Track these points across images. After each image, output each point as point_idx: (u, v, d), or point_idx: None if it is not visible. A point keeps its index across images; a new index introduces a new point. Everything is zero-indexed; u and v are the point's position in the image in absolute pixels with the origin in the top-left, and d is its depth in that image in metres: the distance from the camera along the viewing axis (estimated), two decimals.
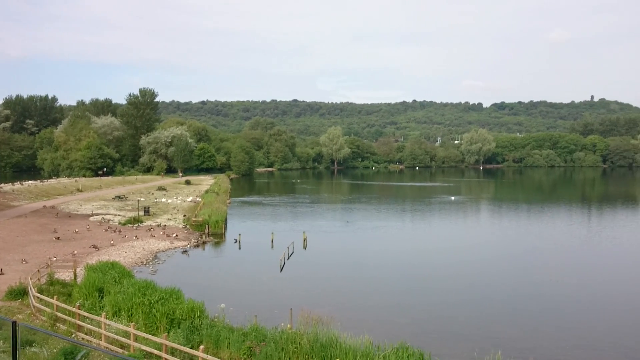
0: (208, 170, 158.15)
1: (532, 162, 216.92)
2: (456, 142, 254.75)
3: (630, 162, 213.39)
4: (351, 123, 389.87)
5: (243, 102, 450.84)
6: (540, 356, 22.13)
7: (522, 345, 23.97)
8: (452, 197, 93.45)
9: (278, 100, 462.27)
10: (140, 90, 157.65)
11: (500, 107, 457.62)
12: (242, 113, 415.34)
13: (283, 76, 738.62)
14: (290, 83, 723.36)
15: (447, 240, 53.11)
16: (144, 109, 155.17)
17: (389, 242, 51.58)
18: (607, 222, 66.57)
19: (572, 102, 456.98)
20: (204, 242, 49.55)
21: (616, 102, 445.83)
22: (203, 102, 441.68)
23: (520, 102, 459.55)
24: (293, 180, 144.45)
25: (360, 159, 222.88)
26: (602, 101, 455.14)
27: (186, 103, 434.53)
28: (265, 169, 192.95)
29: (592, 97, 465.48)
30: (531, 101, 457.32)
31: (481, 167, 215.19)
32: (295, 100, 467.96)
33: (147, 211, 64.94)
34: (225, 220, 60.19)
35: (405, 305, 30.80)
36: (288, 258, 42.64)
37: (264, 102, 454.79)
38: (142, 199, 77.64)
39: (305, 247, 47.75)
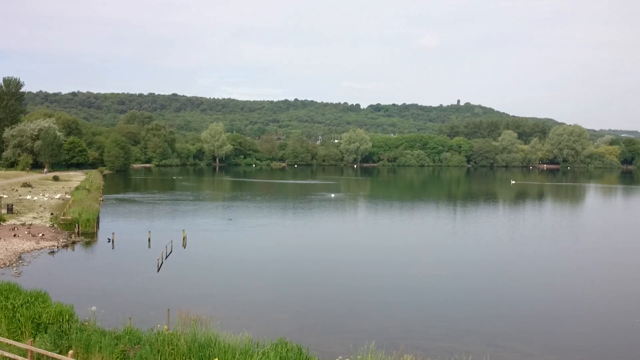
0: (79, 166, 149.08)
1: (405, 161, 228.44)
2: (336, 141, 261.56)
3: (491, 162, 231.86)
4: (233, 120, 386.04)
5: (118, 94, 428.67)
6: (410, 345, 23.53)
7: (394, 335, 25.37)
8: (332, 195, 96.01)
9: (156, 93, 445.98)
10: (4, 80, 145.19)
11: (377, 108, 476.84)
12: (117, 106, 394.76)
13: (162, 69, 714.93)
14: (169, 76, 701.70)
15: (326, 236, 54.51)
16: (7, 100, 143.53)
17: (271, 240, 51.94)
18: (470, 218, 71.95)
19: (441, 105, 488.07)
20: (74, 242, 46.74)
21: (480, 106, 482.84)
22: (74, 94, 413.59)
23: (394, 105, 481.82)
24: (174, 177, 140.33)
25: (242, 156, 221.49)
26: (467, 105, 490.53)
27: (55, 94, 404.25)
28: (142, 165, 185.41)
29: (458, 101, 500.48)
30: (404, 104, 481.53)
31: (355, 166, 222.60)
32: (174, 95, 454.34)
33: (10, 209, 60.16)
34: (98, 218, 57.19)
35: (285, 301, 31.28)
36: (166, 257, 41.49)
37: (141, 95, 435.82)
38: (4, 196, 71.40)
39: (184, 246, 46.72)
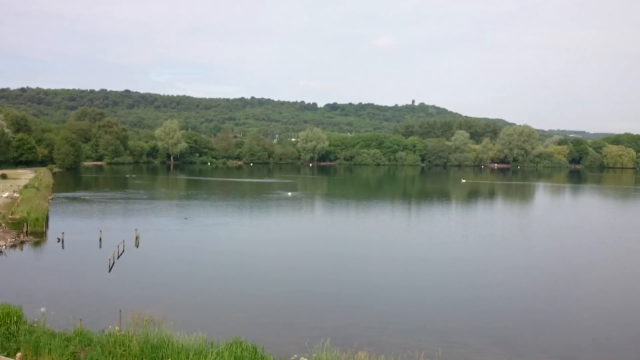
0: (28, 164, 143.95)
1: (361, 160, 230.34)
2: (293, 139, 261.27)
3: (444, 161, 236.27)
4: (188, 117, 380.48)
5: (69, 90, 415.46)
6: (365, 341, 23.85)
7: (349, 332, 25.66)
8: (289, 193, 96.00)
9: (108, 90, 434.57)
10: None
11: (333, 107, 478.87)
12: (68, 102, 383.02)
13: (114, 65, 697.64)
14: (121, 72, 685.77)
15: (282, 235, 54.52)
16: None
17: (226, 239, 51.59)
18: (424, 216, 73.24)
19: (396, 105, 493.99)
20: (22, 242, 45.27)
21: (434, 107, 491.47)
22: (22, 89, 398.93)
23: (350, 104, 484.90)
24: (126, 176, 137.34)
25: (198, 154, 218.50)
26: (422, 105, 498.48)
27: (3, 90, 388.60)
28: (93, 163, 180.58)
29: (413, 101, 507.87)
30: (360, 103, 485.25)
31: (311, 165, 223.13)
32: (127, 91, 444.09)
33: None
34: (47, 217, 55.57)
35: (240, 300, 31.17)
36: (118, 257, 40.69)
37: (92, 91, 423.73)
38: None
39: (137, 246, 45.90)
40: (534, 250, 49.18)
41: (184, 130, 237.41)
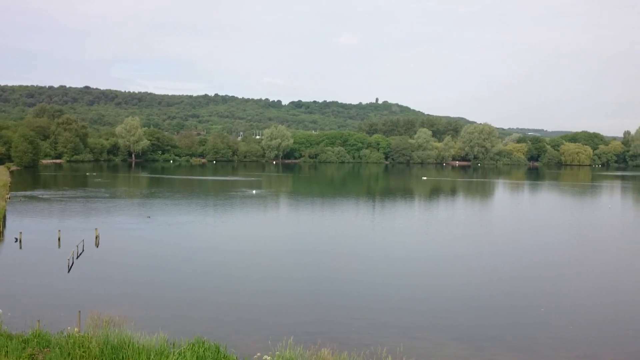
0: None
1: (326, 158, 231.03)
2: (257, 137, 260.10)
3: (407, 159, 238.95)
4: (150, 114, 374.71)
5: (27, 86, 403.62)
6: (328, 338, 24.05)
7: (312, 329, 25.81)
8: (254, 191, 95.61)
9: (67, 86, 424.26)
10: None
11: (298, 105, 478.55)
12: (26, 99, 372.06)
13: (73, 61, 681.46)
14: (81, 68, 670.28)
15: (246, 233, 54.30)
16: None
17: (189, 238, 51.08)
18: (388, 213, 74.00)
19: (360, 103, 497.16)
20: None
21: (397, 105, 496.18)
22: None
23: (315, 102, 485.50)
24: (87, 174, 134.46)
25: (160, 152, 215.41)
26: (385, 103, 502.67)
27: None
28: (52, 161, 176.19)
29: (376, 99, 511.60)
30: (325, 101, 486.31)
31: (275, 162, 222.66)
32: (87, 87, 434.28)
33: None
34: (4, 217, 54.02)
35: (202, 299, 30.97)
36: (77, 257, 39.90)
37: (51, 87, 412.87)
38: None
39: (97, 245, 45.07)
40: (494, 247, 50.29)
41: (146, 128, 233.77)
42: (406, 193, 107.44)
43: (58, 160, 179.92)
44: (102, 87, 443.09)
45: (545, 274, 39.09)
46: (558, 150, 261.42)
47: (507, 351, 24.38)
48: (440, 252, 47.02)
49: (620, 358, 23.85)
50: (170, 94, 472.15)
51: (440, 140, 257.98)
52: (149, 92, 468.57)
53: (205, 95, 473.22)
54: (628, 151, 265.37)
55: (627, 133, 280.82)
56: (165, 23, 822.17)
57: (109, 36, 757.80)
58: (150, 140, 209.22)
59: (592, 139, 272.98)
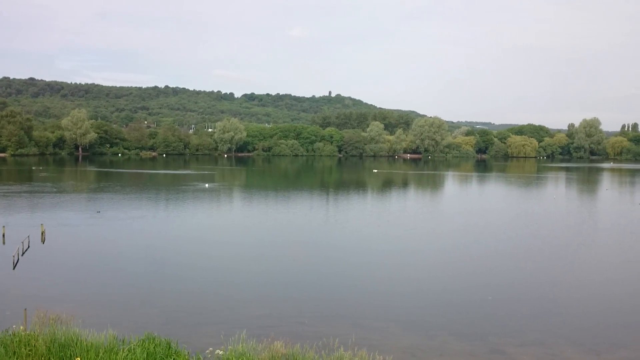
0: None
1: (279, 151, 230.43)
2: (210, 130, 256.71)
3: (360, 152, 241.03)
4: (98, 106, 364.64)
5: None
6: (282, 331, 24.17)
7: (265, 323, 25.88)
8: (206, 185, 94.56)
9: (11, 77, 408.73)
10: None
11: (251, 98, 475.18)
12: None
13: (17, 52, 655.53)
14: (25, 60, 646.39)
15: (199, 227, 53.70)
16: None
17: (139, 233, 50.15)
18: (341, 205, 74.57)
19: (313, 96, 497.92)
20: None
21: (350, 98, 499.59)
22: None
23: (268, 94, 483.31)
24: (33, 167, 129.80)
25: (109, 145, 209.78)
26: (338, 97, 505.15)
27: None
28: None
29: (330, 92, 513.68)
30: (278, 94, 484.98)
31: (225, 155, 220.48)
32: (32, 79, 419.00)
33: None
34: None
35: (153, 295, 30.55)
36: (22, 254, 38.61)
37: None
38: None
39: (43, 241, 43.69)
40: (444, 239, 51.42)
41: (94, 120, 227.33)
42: (359, 186, 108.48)
43: (2, 154, 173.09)
44: (48, 79, 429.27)
45: (492, 265, 40.30)
46: (505, 143, 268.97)
47: (456, 339, 25.09)
48: (391, 243, 47.76)
49: (562, 343, 24.93)
50: (118, 85, 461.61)
51: (392, 133, 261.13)
52: (96, 83, 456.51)
53: (155, 87, 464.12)
54: (572, 143, 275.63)
55: (571, 126, 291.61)
56: (113, 12, 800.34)
57: (54, 26, 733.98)
58: (98, 133, 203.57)
59: (537, 132, 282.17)
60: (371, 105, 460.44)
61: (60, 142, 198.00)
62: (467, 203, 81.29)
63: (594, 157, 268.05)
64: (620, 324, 27.57)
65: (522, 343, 24.73)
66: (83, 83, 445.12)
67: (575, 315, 29.07)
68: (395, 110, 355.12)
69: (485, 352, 23.81)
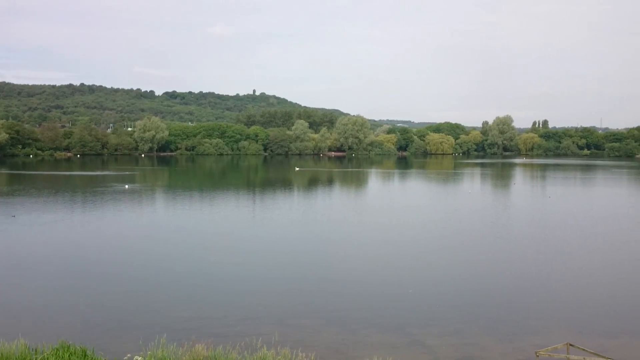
0: None
1: (203, 150, 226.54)
2: (129, 129, 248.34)
3: (286, 150, 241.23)
4: (9, 105, 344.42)
5: None
6: (204, 333, 24.00)
7: (187, 326, 25.57)
8: (126, 186, 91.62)
9: None
10: None
11: (172, 96, 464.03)
12: None
13: None
14: None
15: (117, 230, 52.01)
16: None
17: (53, 237, 47.95)
18: (267, 204, 74.48)
19: (238, 94, 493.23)
20: None
21: (274, 97, 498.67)
22: None
23: (191, 92, 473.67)
24: None
25: (21, 146, 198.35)
26: (263, 95, 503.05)
27: None
28: None
29: (254, 90, 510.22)
30: (201, 92, 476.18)
31: (143, 155, 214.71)
32: None
33: None
34: None
35: (68, 302, 29.40)
36: None
37: None
38: None
39: None
40: (366, 234, 52.48)
41: (4, 120, 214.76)
42: (285, 184, 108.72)
43: None
44: None
45: (413, 259, 41.66)
46: (424, 141, 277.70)
47: (378, 332, 25.84)
48: (315, 241, 48.28)
49: (479, 332, 26.23)
50: (30, 83, 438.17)
51: (317, 131, 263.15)
52: (6, 82, 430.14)
53: (70, 85, 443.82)
54: (486, 140, 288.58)
55: (485, 123, 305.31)
56: (23, 7, 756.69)
57: None
58: (9, 134, 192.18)
59: (454, 130, 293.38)
60: (296, 103, 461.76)
61: None
62: (389, 200, 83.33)
63: (506, 153, 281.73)
64: (533, 312, 29.32)
65: (441, 333, 25.79)
66: None
67: (492, 305, 30.58)
68: (319, 108, 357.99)
69: (406, 343, 24.66)
